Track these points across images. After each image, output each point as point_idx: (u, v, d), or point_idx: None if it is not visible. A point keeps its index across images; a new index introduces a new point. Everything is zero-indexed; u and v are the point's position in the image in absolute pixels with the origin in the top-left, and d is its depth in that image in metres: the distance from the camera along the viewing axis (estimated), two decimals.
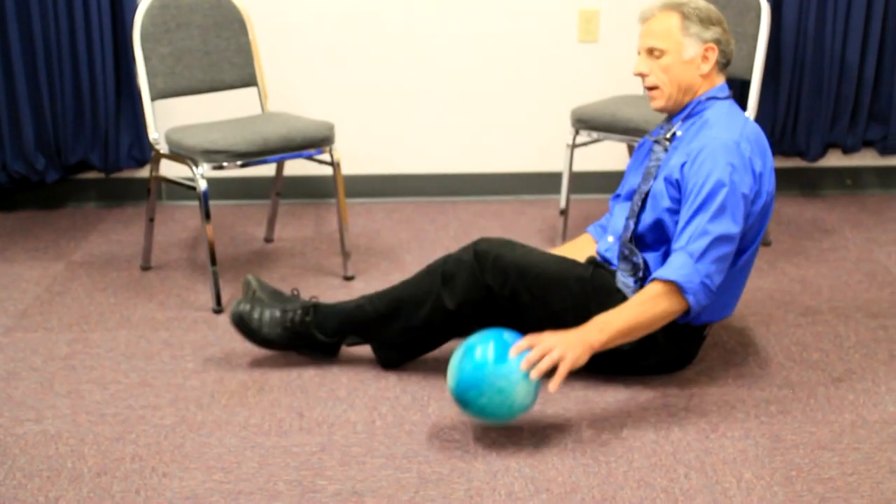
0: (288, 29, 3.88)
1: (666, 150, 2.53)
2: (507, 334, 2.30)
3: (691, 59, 2.48)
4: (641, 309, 2.35)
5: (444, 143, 4.04)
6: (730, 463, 2.24)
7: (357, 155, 3.98)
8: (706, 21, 2.48)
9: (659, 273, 2.37)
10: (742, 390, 2.56)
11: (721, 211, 2.36)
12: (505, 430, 2.37)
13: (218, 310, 3.03)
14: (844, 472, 2.21)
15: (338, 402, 2.52)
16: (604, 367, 2.54)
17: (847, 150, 4.00)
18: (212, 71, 3.31)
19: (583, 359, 2.26)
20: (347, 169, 3.88)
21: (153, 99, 3.18)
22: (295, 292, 2.72)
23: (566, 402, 2.49)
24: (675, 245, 2.40)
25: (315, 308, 2.64)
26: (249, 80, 3.38)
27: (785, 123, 3.91)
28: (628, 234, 2.53)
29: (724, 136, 2.41)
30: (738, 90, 3.78)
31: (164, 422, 2.43)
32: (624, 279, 2.51)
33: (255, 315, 2.63)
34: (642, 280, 2.49)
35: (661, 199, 2.48)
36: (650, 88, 2.54)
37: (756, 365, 2.69)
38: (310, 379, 2.63)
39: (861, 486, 2.16)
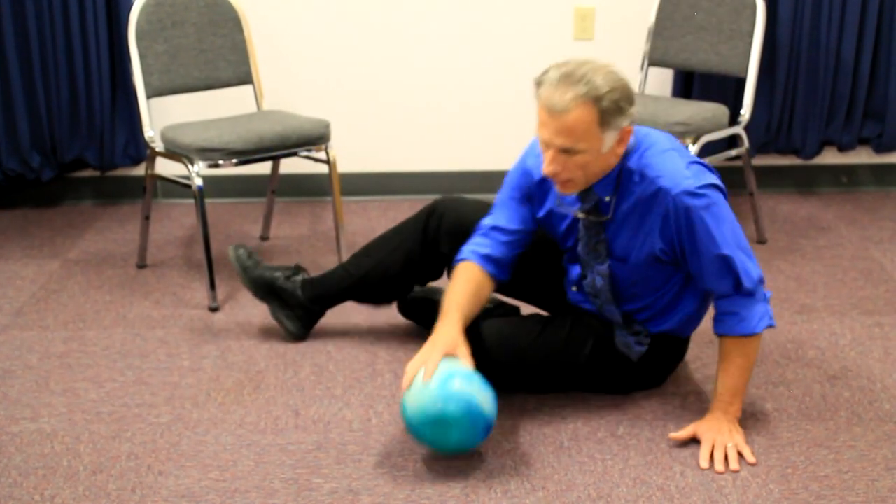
0: (283, 27, 3.88)
1: (604, 222, 2.33)
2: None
3: (610, 148, 2.20)
4: (749, 362, 2.31)
5: (439, 140, 4.04)
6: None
7: (353, 153, 3.97)
8: (625, 105, 2.16)
9: (750, 329, 2.28)
10: None
11: (744, 248, 2.27)
12: (500, 428, 2.37)
13: (214, 308, 3.03)
14: (840, 470, 2.21)
15: (334, 400, 2.52)
16: (593, 388, 2.53)
17: (843, 148, 4.00)
18: (207, 69, 3.30)
19: (739, 430, 2.31)
20: (343, 167, 3.87)
21: (149, 97, 3.18)
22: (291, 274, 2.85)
23: (562, 400, 2.49)
24: (743, 289, 2.27)
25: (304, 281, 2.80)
26: (245, 78, 3.38)
27: (780, 121, 3.91)
28: (617, 318, 2.42)
29: (682, 185, 2.21)
30: (734, 87, 3.78)
31: (159, 420, 2.43)
32: (624, 339, 2.43)
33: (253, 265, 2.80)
34: (645, 343, 2.43)
35: (649, 268, 2.34)
36: (560, 181, 2.24)
37: None
38: (306, 377, 2.63)
39: (856, 483, 2.16)
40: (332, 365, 2.69)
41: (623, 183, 2.29)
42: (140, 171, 4.00)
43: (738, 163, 4.01)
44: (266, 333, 2.88)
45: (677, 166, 2.25)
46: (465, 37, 3.93)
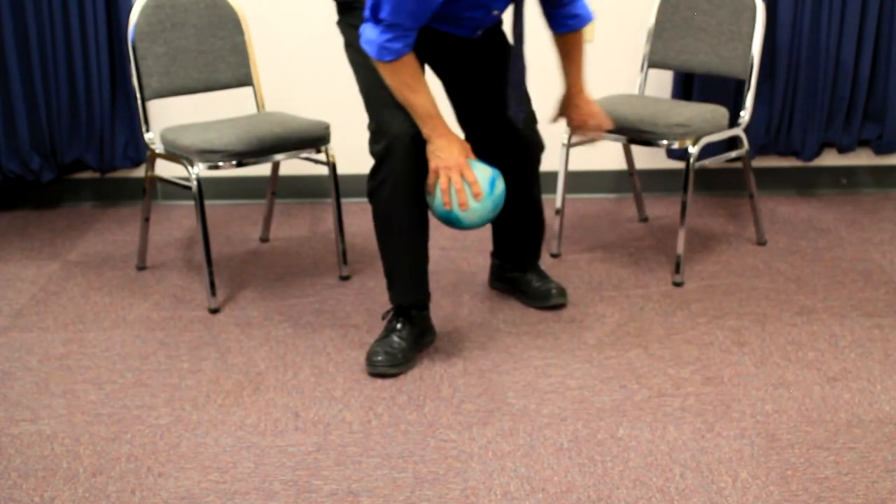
0: (283, 28, 3.88)
1: None
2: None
3: None
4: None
5: None
6: (725, 462, 2.25)
7: (352, 154, 3.97)
8: None
9: (591, 16, 2.78)
10: (738, 389, 2.56)
11: None
12: (500, 429, 2.37)
13: (213, 309, 3.03)
14: (840, 472, 2.21)
15: (334, 401, 2.52)
16: None
17: (842, 150, 4.00)
18: (207, 70, 3.30)
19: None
20: (343, 169, 3.88)
21: (148, 99, 3.18)
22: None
23: (562, 402, 2.50)
24: None
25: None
26: (245, 80, 3.38)
27: (780, 123, 3.92)
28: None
29: None
30: (734, 89, 3.78)
31: (159, 422, 2.43)
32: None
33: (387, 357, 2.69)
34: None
35: None
36: None
37: (752, 364, 2.69)
38: (305, 379, 2.63)
39: (856, 485, 2.16)
40: (331, 366, 2.70)
41: None
42: (140, 172, 4.00)
43: (738, 164, 4.02)
44: (266, 335, 2.88)
45: None
46: None
